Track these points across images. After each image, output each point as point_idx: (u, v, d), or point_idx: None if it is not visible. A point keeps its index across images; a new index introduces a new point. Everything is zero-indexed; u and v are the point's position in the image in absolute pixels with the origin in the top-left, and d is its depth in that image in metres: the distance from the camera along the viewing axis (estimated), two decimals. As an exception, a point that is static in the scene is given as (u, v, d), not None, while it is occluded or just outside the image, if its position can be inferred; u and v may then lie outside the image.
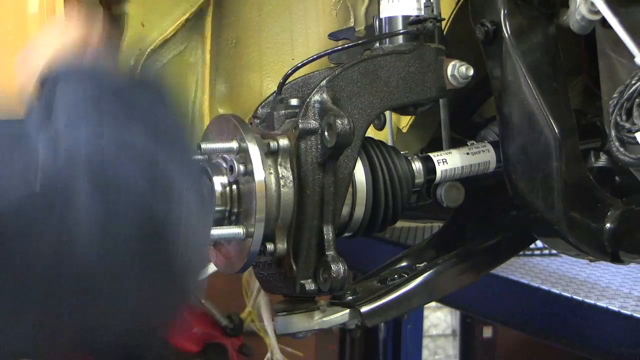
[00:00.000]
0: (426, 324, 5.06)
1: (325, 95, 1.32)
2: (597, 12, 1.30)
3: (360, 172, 1.38)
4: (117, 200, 1.02)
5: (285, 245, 1.31)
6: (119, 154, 1.04)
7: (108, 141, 1.05)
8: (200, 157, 1.33)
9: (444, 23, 1.48)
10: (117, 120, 1.08)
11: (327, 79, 1.33)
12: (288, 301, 1.38)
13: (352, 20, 1.76)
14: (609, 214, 1.38)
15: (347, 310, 1.39)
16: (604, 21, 1.30)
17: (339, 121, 1.25)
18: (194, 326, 1.75)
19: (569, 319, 2.30)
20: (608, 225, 1.38)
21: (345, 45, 1.45)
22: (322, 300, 1.39)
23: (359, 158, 1.37)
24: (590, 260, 2.04)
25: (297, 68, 1.40)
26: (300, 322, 1.36)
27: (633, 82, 1.21)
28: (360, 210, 1.38)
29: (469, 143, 1.53)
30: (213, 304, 1.77)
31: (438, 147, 1.55)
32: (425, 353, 5.01)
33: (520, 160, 1.40)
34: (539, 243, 2.13)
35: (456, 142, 1.57)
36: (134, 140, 1.06)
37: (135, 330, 1.07)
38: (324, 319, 1.38)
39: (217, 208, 1.30)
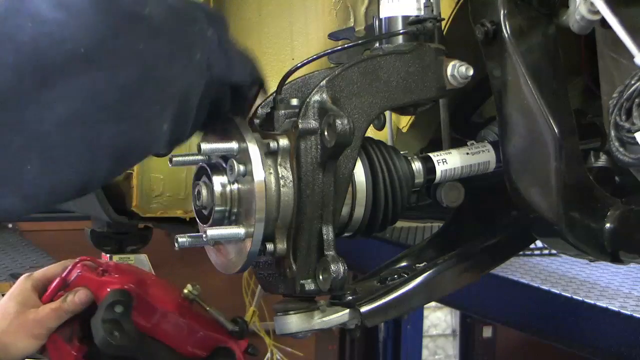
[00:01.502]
0: (426, 324, 5.06)
1: (325, 95, 1.32)
2: (597, 12, 1.30)
3: (360, 172, 1.38)
4: None
5: (285, 245, 1.31)
6: None
7: None
8: (200, 157, 1.33)
9: (444, 23, 1.48)
10: None
11: (326, 79, 1.33)
12: (288, 301, 1.38)
13: (352, 20, 1.76)
14: (608, 214, 1.38)
15: (347, 310, 1.39)
16: (603, 21, 1.30)
17: (338, 121, 1.25)
18: (200, 331, 1.74)
19: (569, 319, 2.30)
20: (608, 225, 1.37)
21: (345, 45, 1.45)
22: (322, 300, 1.39)
23: (358, 158, 1.37)
24: (590, 260, 2.05)
25: (297, 68, 1.40)
26: (300, 322, 1.36)
27: (633, 82, 1.21)
28: (360, 211, 1.38)
29: (469, 143, 1.53)
30: (217, 309, 1.76)
31: (438, 147, 1.55)
32: (425, 353, 5.01)
33: (520, 160, 1.40)
34: (539, 243, 2.13)
35: (456, 142, 1.57)
36: None
37: None
38: (324, 319, 1.37)
39: (217, 208, 1.30)
